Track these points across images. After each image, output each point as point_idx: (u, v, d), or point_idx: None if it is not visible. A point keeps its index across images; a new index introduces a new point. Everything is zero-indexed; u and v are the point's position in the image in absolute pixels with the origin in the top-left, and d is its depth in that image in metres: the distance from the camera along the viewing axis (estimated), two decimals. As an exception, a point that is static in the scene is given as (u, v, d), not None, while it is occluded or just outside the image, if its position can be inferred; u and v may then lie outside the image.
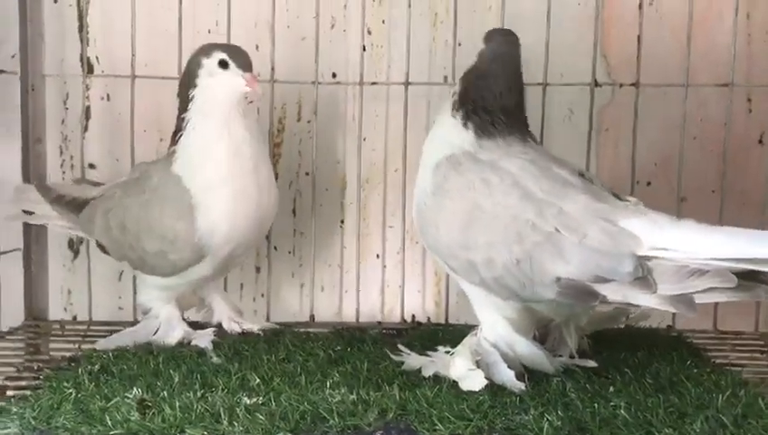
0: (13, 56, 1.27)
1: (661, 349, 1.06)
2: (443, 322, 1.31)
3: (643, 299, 0.85)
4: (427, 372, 0.96)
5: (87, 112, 1.32)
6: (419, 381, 0.94)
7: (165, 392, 0.88)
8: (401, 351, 1.02)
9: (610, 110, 1.32)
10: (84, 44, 1.30)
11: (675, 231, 0.86)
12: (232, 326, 1.16)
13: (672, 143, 1.27)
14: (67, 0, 1.32)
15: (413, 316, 1.34)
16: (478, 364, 0.92)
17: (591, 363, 0.97)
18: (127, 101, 1.26)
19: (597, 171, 1.30)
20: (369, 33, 1.32)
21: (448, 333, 1.14)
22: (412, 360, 1.00)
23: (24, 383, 0.96)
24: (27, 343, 1.15)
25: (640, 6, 1.24)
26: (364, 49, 1.28)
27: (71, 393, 0.88)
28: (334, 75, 1.33)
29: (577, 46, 1.29)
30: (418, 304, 1.37)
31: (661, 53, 1.27)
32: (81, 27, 1.31)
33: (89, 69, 1.31)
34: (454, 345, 0.98)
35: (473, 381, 0.90)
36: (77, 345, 1.12)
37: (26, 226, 1.26)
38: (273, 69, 1.25)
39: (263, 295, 1.35)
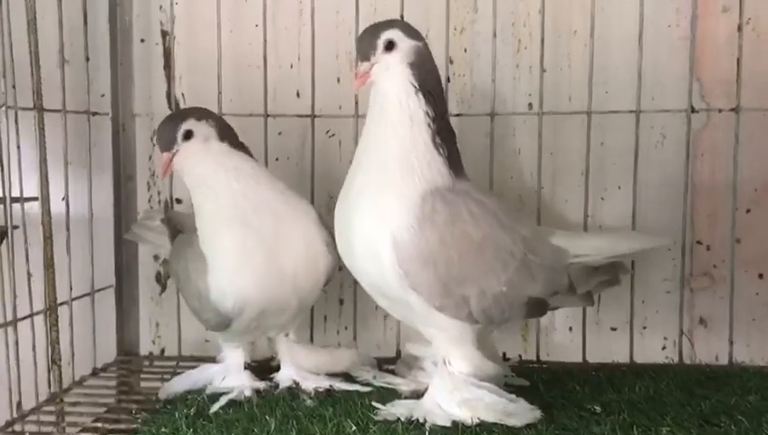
0: (102, 96, 1.30)
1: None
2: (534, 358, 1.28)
3: (570, 302, 1.01)
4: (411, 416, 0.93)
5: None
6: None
7: (262, 440, 0.88)
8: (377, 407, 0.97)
9: (705, 135, 1.26)
10: (171, 82, 1.32)
11: (582, 240, 1.01)
12: (286, 384, 1.08)
13: (774, 169, 1.21)
14: (153, 39, 1.34)
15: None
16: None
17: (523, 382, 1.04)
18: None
19: (693, 199, 1.24)
20: (452, 62, 1.30)
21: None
22: (395, 409, 0.96)
23: (122, 426, 0.97)
24: (120, 381, 1.16)
25: (740, 28, 1.18)
26: (448, 80, 1.26)
27: (169, 439, 0.88)
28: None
29: (670, 70, 1.24)
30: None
31: (761, 76, 1.21)
32: (168, 65, 1.33)
33: (176, 107, 1.33)
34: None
35: (528, 415, 0.91)
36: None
37: (118, 262, 1.29)
38: (356, 103, 1.24)
39: (346, 328, 1.34)
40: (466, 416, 0.91)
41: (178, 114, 1.08)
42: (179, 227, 1.14)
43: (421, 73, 0.91)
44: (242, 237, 1.00)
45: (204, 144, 1.01)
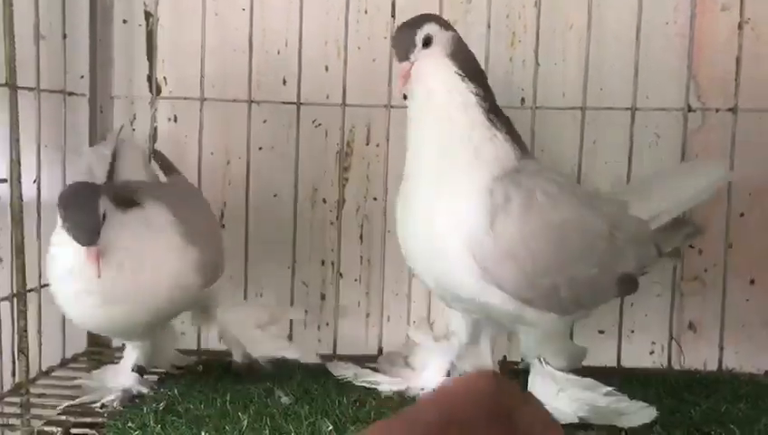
0: (81, 77, 1.26)
1: (766, 399, 0.97)
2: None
3: (659, 263, 0.99)
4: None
5: (154, 134, 1.30)
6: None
7: (233, 438, 0.84)
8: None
9: (700, 135, 1.23)
10: (153, 65, 1.28)
11: (656, 198, 0.96)
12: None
13: (768, 172, 1.18)
14: (136, 20, 1.30)
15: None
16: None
17: None
18: (194, 122, 1.23)
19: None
20: (444, 54, 1.26)
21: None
22: None
23: (88, 420, 0.93)
24: (89, 372, 1.12)
25: (740, 27, 1.15)
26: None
27: (136, 435, 0.84)
28: (406, 97, 1.28)
29: (666, 68, 1.21)
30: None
31: (759, 76, 1.18)
32: (150, 48, 1.29)
33: (157, 90, 1.29)
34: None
35: (642, 414, 0.88)
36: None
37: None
38: (344, 91, 1.20)
39: (327, 324, 1.30)
40: (572, 415, 0.87)
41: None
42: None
43: (463, 61, 0.89)
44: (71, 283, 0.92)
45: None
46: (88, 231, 0.85)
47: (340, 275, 1.29)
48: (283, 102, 1.23)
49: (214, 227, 1.11)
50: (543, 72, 1.22)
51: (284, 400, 0.97)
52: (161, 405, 0.94)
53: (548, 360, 0.91)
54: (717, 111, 1.19)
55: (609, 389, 0.89)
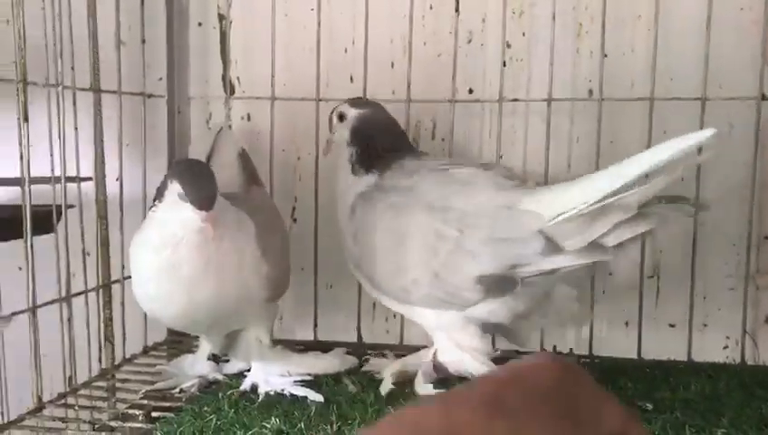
0: (160, 79, 1.32)
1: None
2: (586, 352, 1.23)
3: (556, 262, 0.89)
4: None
5: (229, 132, 1.35)
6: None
7: (302, 424, 0.87)
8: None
9: (775, 126, 1.19)
10: (227, 66, 1.33)
11: (564, 193, 0.89)
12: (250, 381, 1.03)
13: None
14: (210, 22, 1.35)
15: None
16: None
17: None
18: (266, 120, 1.28)
19: (760, 191, 1.18)
20: (509, 46, 1.27)
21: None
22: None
23: (167, 404, 0.98)
24: (169, 360, 1.18)
25: (817, 11, 1.11)
26: (504, 64, 1.23)
27: (211, 419, 0.89)
28: (471, 91, 1.29)
29: (740, 56, 1.18)
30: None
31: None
32: (224, 49, 1.34)
33: (231, 90, 1.34)
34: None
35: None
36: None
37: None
38: (409, 87, 1.22)
39: (395, 316, 1.32)
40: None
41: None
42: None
43: (358, 131, 1.09)
44: (167, 286, 0.96)
45: None
46: (209, 197, 0.89)
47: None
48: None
49: (286, 246, 1.14)
50: (611, 62, 1.20)
51: (351, 388, 1.00)
52: (235, 392, 0.98)
53: (436, 353, 0.99)
54: (793, 98, 1.15)
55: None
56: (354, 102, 1.12)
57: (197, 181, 0.90)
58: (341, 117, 1.12)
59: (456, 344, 0.96)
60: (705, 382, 0.99)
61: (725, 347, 1.25)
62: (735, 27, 1.18)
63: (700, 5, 1.14)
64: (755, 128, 1.14)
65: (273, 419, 0.88)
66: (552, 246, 0.88)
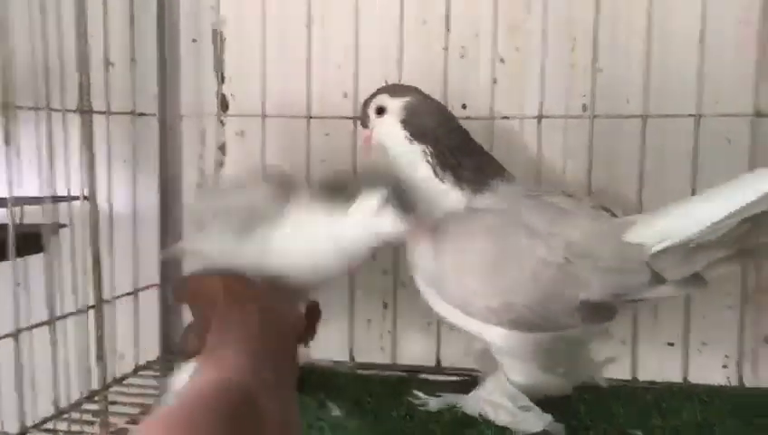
0: (155, 97, 1.32)
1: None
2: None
3: (659, 292, 0.89)
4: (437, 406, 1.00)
5: (223, 149, 1.35)
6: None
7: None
8: (418, 396, 1.03)
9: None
10: (219, 82, 1.33)
11: (668, 221, 0.88)
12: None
13: None
14: (203, 38, 1.35)
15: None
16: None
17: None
18: (259, 138, 1.28)
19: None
20: (502, 61, 1.25)
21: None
22: (433, 403, 1.01)
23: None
24: (160, 381, 1.17)
25: (811, 26, 1.08)
26: (495, 81, 1.22)
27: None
28: (464, 107, 1.27)
29: (736, 71, 1.15)
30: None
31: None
32: (218, 65, 1.33)
33: (224, 107, 1.34)
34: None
35: (530, 422, 0.92)
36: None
37: (163, 262, 1.30)
38: (400, 105, 1.21)
39: (389, 332, 1.32)
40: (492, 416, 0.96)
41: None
42: None
43: (413, 124, 0.99)
44: None
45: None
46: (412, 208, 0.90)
47: (402, 284, 1.30)
48: (342, 117, 1.25)
49: None
50: (605, 77, 1.19)
51: (336, 413, 0.99)
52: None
53: (505, 372, 0.96)
54: (788, 115, 1.13)
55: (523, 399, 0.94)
56: (394, 91, 1.03)
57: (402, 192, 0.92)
58: (380, 110, 1.02)
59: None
60: (698, 408, 0.97)
61: (725, 366, 1.22)
62: (732, 42, 1.16)
63: (695, 20, 1.12)
64: (750, 143, 1.11)
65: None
66: (658, 278, 0.88)
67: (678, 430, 0.93)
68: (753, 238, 0.85)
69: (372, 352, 1.32)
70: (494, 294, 0.91)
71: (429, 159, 0.98)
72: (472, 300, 0.93)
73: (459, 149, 0.99)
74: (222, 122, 1.35)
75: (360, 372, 1.13)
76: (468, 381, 1.08)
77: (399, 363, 1.25)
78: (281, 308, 0.85)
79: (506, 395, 0.95)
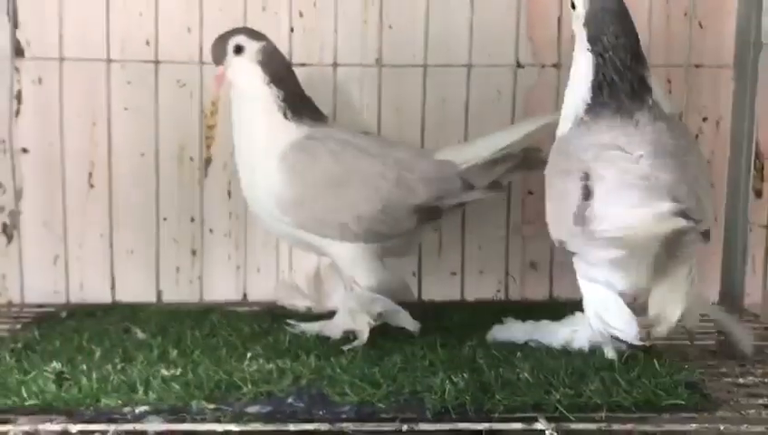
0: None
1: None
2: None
3: (469, 196, 1.13)
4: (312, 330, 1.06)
5: (19, 96, 1.32)
6: (338, 351, 0.96)
7: (84, 366, 0.89)
8: (291, 324, 1.09)
9: (536, 92, 1.35)
10: (12, 27, 1.30)
11: (472, 148, 1.16)
12: None
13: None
14: (-4, -18, 1.31)
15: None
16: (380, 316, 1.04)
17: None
18: (57, 84, 1.27)
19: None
20: (301, 15, 1.34)
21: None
22: (303, 327, 1.08)
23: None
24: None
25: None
26: (292, 30, 1.30)
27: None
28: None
29: (502, 28, 1.32)
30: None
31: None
32: (11, 9, 1.30)
33: (18, 52, 1.31)
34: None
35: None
36: (8, 326, 1.12)
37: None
38: (201, 51, 1.26)
39: (199, 278, 1.36)
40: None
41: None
42: None
43: (270, 68, 1.10)
44: None
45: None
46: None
47: (210, 230, 1.35)
48: (144, 61, 1.27)
49: None
50: (394, 34, 1.31)
51: (140, 335, 1.03)
52: (20, 344, 0.98)
53: (357, 281, 1.09)
54: (543, 66, 1.31)
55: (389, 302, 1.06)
56: (251, 33, 1.12)
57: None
58: (239, 49, 1.10)
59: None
60: (467, 313, 1.12)
61: (498, 291, 1.39)
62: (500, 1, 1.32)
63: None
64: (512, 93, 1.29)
65: (54, 363, 0.89)
66: (468, 185, 1.12)
67: (449, 327, 1.09)
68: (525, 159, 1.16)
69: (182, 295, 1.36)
70: (345, 209, 1.07)
71: (281, 102, 1.10)
72: (326, 218, 1.07)
73: (301, 94, 1.13)
74: (17, 69, 1.31)
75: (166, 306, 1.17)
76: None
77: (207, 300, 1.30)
78: None
79: (366, 301, 1.05)
